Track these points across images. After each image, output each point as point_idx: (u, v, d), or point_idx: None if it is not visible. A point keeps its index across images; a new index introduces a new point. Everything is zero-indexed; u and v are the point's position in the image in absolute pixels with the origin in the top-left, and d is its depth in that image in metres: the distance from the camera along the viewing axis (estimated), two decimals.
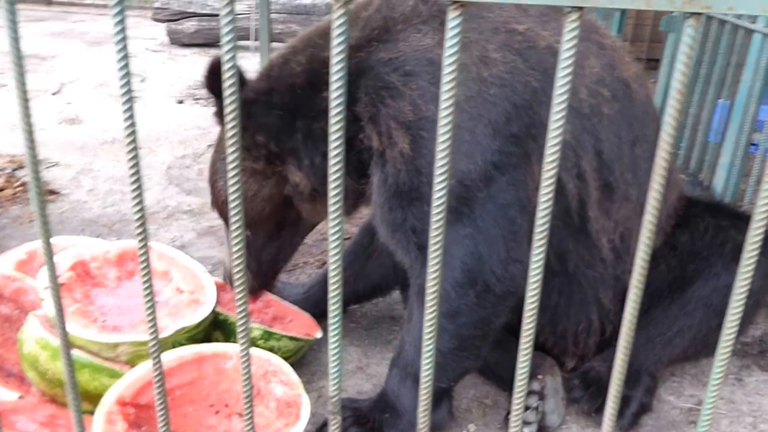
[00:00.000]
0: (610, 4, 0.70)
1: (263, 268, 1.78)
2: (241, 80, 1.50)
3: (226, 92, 0.80)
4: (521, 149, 1.38)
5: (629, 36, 5.36)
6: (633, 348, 1.85)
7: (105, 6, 7.84)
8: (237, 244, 0.86)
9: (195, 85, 4.85)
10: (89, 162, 3.27)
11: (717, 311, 1.61)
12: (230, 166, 0.83)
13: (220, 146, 1.71)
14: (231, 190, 0.84)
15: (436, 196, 0.80)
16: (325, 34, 1.51)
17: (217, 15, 5.87)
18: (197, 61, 5.60)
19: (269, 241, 1.72)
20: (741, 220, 1.68)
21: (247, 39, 5.92)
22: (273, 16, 5.82)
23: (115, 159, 3.32)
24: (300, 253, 2.50)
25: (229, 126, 0.81)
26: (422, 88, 1.36)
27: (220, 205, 1.74)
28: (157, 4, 6.32)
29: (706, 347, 1.69)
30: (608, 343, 1.71)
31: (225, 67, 0.78)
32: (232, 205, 0.85)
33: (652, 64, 5.16)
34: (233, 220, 0.86)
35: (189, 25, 6.09)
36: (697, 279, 1.66)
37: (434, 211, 0.80)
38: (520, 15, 1.46)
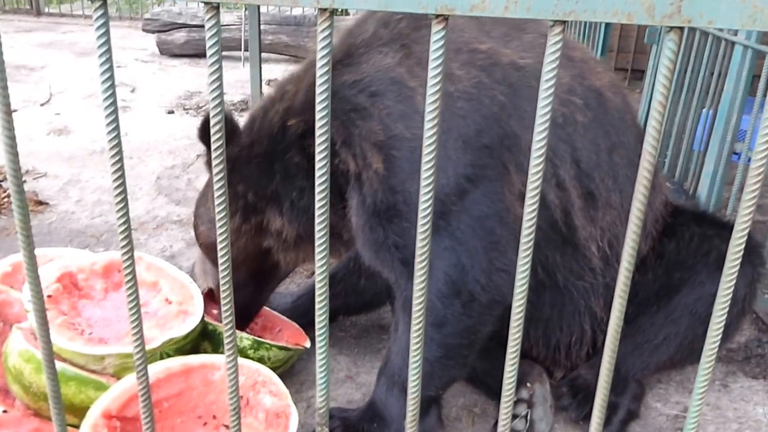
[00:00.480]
0: (592, 18, 0.72)
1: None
2: (234, 130, 1.54)
3: (214, 136, 0.80)
4: (496, 161, 1.40)
5: (615, 47, 5.44)
6: (620, 355, 1.85)
7: None
8: (224, 263, 0.87)
9: (185, 96, 4.85)
10: (77, 173, 3.26)
11: (702, 319, 1.63)
12: (218, 202, 0.84)
13: (205, 192, 1.75)
14: (219, 219, 0.84)
15: (421, 208, 0.81)
16: (294, 79, 1.57)
17: None
18: (187, 72, 5.60)
19: (241, 288, 1.69)
20: (725, 229, 1.71)
21: (238, 50, 5.94)
22: (263, 27, 5.85)
23: (104, 169, 3.30)
24: None
25: (215, 146, 0.82)
26: (389, 107, 1.39)
27: (201, 245, 1.78)
28: (147, 16, 6.33)
29: (692, 354, 1.70)
30: (597, 351, 1.73)
31: (212, 117, 0.79)
32: (219, 222, 0.85)
33: (638, 74, 5.24)
34: (220, 238, 0.86)
35: (179, 36, 6.10)
36: (682, 287, 1.68)
37: (420, 222, 0.81)
38: (482, 36, 1.48)
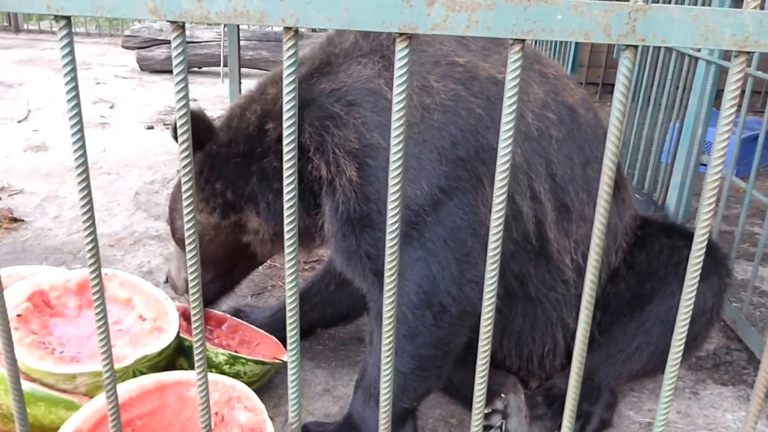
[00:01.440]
0: (550, 37, 0.75)
1: (206, 297, 1.80)
2: (210, 130, 1.56)
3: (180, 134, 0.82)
4: (470, 173, 1.42)
5: (586, 62, 5.58)
6: (594, 365, 1.86)
7: (75, 33, 7.81)
8: (193, 273, 0.87)
9: (165, 111, 4.84)
10: (55, 189, 3.22)
11: (673, 328, 1.66)
12: (186, 204, 0.85)
13: (180, 187, 1.75)
14: (187, 227, 0.85)
15: (389, 222, 0.83)
16: (275, 80, 1.58)
17: (189, 42, 5.90)
18: (168, 87, 5.60)
19: (218, 278, 1.75)
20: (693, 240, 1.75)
21: (218, 66, 5.96)
22: (243, 42, 5.88)
23: None
24: (268, 276, 2.49)
25: (181, 145, 0.83)
26: (365, 116, 1.40)
27: (177, 240, 1.79)
28: (127, 32, 6.32)
29: (664, 363, 1.72)
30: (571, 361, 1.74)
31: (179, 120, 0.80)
32: (188, 233, 0.86)
33: (608, 88, 5.38)
34: (190, 251, 0.87)
35: (159, 52, 6.10)
36: (653, 297, 1.71)
37: (389, 237, 0.83)
38: (461, 49, 1.51)
